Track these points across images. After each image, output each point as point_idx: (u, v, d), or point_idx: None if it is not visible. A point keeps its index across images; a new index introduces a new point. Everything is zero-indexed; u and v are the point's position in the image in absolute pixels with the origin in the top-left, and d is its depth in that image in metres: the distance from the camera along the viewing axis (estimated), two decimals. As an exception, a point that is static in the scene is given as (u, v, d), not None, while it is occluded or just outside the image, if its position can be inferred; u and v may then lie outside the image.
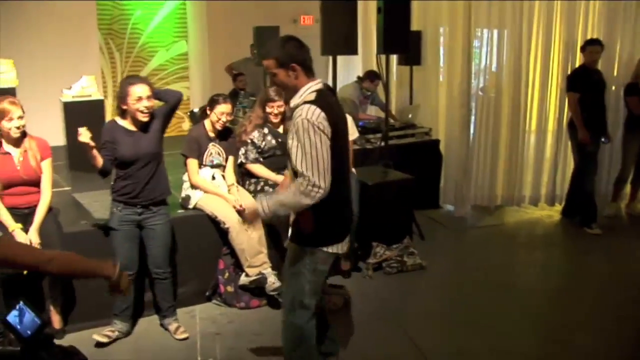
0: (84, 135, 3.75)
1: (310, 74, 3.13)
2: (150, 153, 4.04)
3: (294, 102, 3.12)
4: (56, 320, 4.23)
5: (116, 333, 4.24)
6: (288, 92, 3.18)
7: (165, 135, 4.26)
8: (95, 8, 9.25)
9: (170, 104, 4.17)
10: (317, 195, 2.95)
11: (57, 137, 6.21)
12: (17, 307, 2.26)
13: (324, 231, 3.15)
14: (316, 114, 2.95)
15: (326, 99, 3.09)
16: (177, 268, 4.60)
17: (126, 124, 4.05)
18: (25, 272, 3.90)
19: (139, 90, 3.91)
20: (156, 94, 4.06)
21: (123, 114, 4.04)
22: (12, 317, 2.25)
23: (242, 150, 4.94)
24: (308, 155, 2.93)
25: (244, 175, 5.08)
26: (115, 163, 4.02)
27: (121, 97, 3.97)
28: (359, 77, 7.88)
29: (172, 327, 4.34)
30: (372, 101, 7.94)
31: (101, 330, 4.23)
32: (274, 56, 3.08)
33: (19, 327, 2.24)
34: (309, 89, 3.09)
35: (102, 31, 9.54)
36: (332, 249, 3.18)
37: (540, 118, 7.24)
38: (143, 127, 4.04)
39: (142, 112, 3.95)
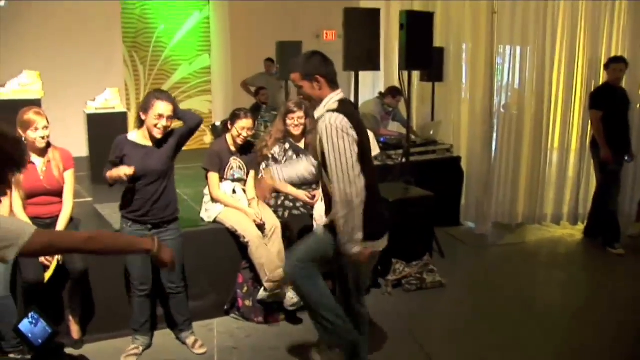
0: (127, 172, 3.80)
1: (334, 86, 3.29)
2: (158, 170, 3.99)
3: (318, 112, 3.26)
4: (75, 331, 4.24)
5: (140, 349, 4.23)
6: (313, 104, 3.31)
7: (187, 148, 4.27)
8: (120, 21, 9.38)
9: (188, 126, 4.12)
10: (351, 199, 3.09)
11: (80, 149, 6.25)
12: (30, 315, 2.28)
13: None
14: (339, 119, 3.10)
15: (348, 108, 3.25)
16: (195, 281, 4.61)
17: (139, 136, 4.04)
18: (45, 280, 3.95)
19: (161, 107, 3.89)
20: (176, 114, 4.03)
21: (141, 123, 4.03)
22: (24, 325, 2.27)
23: (263, 165, 4.94)
24: (334, 160, 3.08)
25: (264, 190, 5.07)
26: None
27: (144, 107, 3.96)
28: (380, 93, 7.89)
29: (190, 340, 4.32)
30: (393, 117, 7.94)
31: (126, 351, 4.17)
32: (299, 69, 3.26)
33: (30, 335, 2.26)
34: (331, 99, 3.24)
35: (127, 44, 9.66)
36: None
37: (563, 136, 7.17)
38: (157, 142, 4.02)
39: (158, 129, 3.94)
